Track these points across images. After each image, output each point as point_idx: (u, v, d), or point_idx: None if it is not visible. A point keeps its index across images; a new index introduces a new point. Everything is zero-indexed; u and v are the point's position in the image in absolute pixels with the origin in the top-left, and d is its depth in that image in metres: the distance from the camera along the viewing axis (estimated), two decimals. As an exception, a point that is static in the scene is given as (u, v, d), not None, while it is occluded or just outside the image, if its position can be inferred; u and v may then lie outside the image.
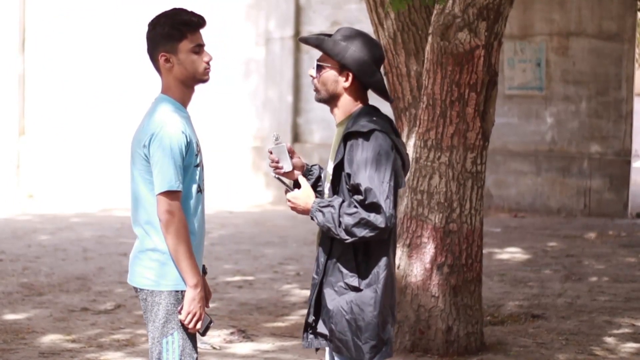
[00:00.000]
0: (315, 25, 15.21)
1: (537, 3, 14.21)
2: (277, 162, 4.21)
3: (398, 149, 4.04)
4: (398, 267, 6.59)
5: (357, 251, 4.00)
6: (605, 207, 14.00)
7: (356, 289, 3.97)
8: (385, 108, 6.44)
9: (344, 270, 3.99)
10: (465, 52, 6.34)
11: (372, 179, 3.90)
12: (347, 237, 3.91)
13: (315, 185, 4.27)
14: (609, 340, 7.02)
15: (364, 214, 3.89)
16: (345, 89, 4.08)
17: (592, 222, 13.29)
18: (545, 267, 9.96)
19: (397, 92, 7.30)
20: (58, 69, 16.22)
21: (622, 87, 14.03)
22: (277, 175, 4.18)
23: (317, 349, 4.17)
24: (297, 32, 15.29)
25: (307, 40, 4.18)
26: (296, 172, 4.25)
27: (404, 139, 7.20)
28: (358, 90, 4.10)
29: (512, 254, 10.80)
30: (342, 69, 4.07)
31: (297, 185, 4.20)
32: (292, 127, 15.43)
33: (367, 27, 7.82)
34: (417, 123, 6.68)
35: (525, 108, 14.34)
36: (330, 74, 4.08)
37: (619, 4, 14.01)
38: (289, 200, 4.09)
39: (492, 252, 10.73)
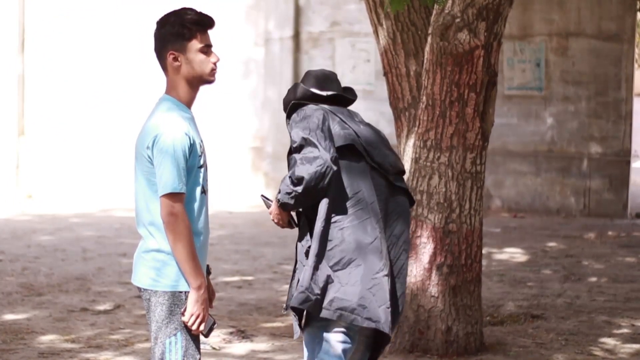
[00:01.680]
0: (314, 26, 15.22)
1: (537, 3, 14.22)
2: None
3: (333, 112, 4.29)
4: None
5: (312, 222, 4.19)
6: (605, 207, 14.00)
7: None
8: (385, 108, 6.46)
9: (303, 242, 4.22)
10: (464, 53, 6.34)
11: (296, 129, 4.19)
12: (299, 186, 4.08)
13: None
14: (609, 340, 7.02)
15: (298, 155, 4.10)
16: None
17: (591, 223, 13.30)
18: (545, 267, 9.97)
19: (397, 92, 7.30)
20: (58, 69, 16.21)
21: (622, 88, 14.03)
22: (262, 199, 4.43)
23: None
24: (296, 32, 15.30)
25: None
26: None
27: (403, 139, 7.20)
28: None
29: (512, 254, 10.81)
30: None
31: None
32: (291, 127, 15.42)
33: (367, 28, 7.83)
34: (417, 123, 6.68)
35: (525, 108, 14.35)
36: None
37: (618, 4, 14.01)
38: (271, 213, 4.31)
39: (492, 252, 10.73)
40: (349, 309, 4.10)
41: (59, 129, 16.26)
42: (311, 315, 4.21)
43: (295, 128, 4.20)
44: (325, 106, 4.34)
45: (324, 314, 4.11)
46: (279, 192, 4.18)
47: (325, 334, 4.18)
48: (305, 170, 4.01)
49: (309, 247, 4.15)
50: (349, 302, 4.10)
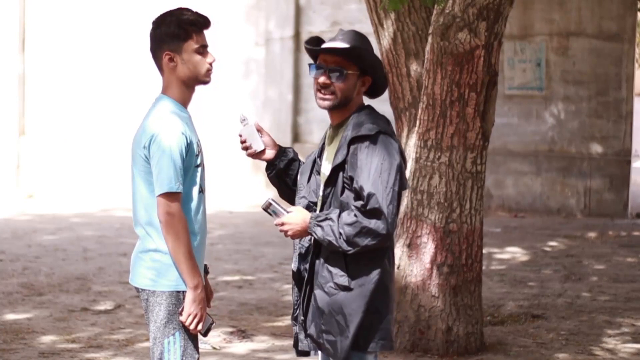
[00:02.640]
0: (315, 26, 15.21)
1: (537, 3, 14.21)
2: (245, 142, 4.19)
3: (401, 151, 3.97)
4: (398, 267, 6.59)
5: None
6: (605, 207, 14.00)
7: (346, 289, 3.89)
8: (386, 108, 6.46)
9: (333, 270, 3.92)
10: (465, 52, 6.34)
11: (375, 184, 3.82)
12: (349, 248, 3.83)
13: (288, 169, 4.21)
14: (609, 340, 7.02)
15: (364, 221, 3.81)
16: (359, 94, 4.03)
17: (592, 222, 13.30)
18: (545, 267, 9.96)
19: (397, 92, 7.30)
20: (58, 69, 16.22)
21: (622, 87, 14.03)
22: (267, 209, 3.99)
23: (307, 354, 4.12)
24: (297, 32, 15.29)
25: (346, 49, 3.97)
26: (268, 151, 4.23)
27: (404, 139, 7.21)
28: (363, 93, 4.09)
29: (512, 254, 10.80)
30: (363, 74, 4.01)
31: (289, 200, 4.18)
32: (292, 127, 15.43)
33: (367, 27, 7.84)
34: (417, 123, 6.68)
35: (525, 108, 14.35)
36: (352, 79, 3.99)
37: (619, 4, 14.01)
38: (284, 224, 3.94)
39: (492, 252, 10.73)
40: (389, 338, 4.00)
41: (59, 129, 16.27)
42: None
43: (372, 176, 3.82)
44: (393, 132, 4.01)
45: (371, 347, 3.96)
46: (319, 225, 3.86)
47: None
48: (363, 242, 3.82)
49: (346, 281, 3.90)
50: (388, 332, 4.00)
